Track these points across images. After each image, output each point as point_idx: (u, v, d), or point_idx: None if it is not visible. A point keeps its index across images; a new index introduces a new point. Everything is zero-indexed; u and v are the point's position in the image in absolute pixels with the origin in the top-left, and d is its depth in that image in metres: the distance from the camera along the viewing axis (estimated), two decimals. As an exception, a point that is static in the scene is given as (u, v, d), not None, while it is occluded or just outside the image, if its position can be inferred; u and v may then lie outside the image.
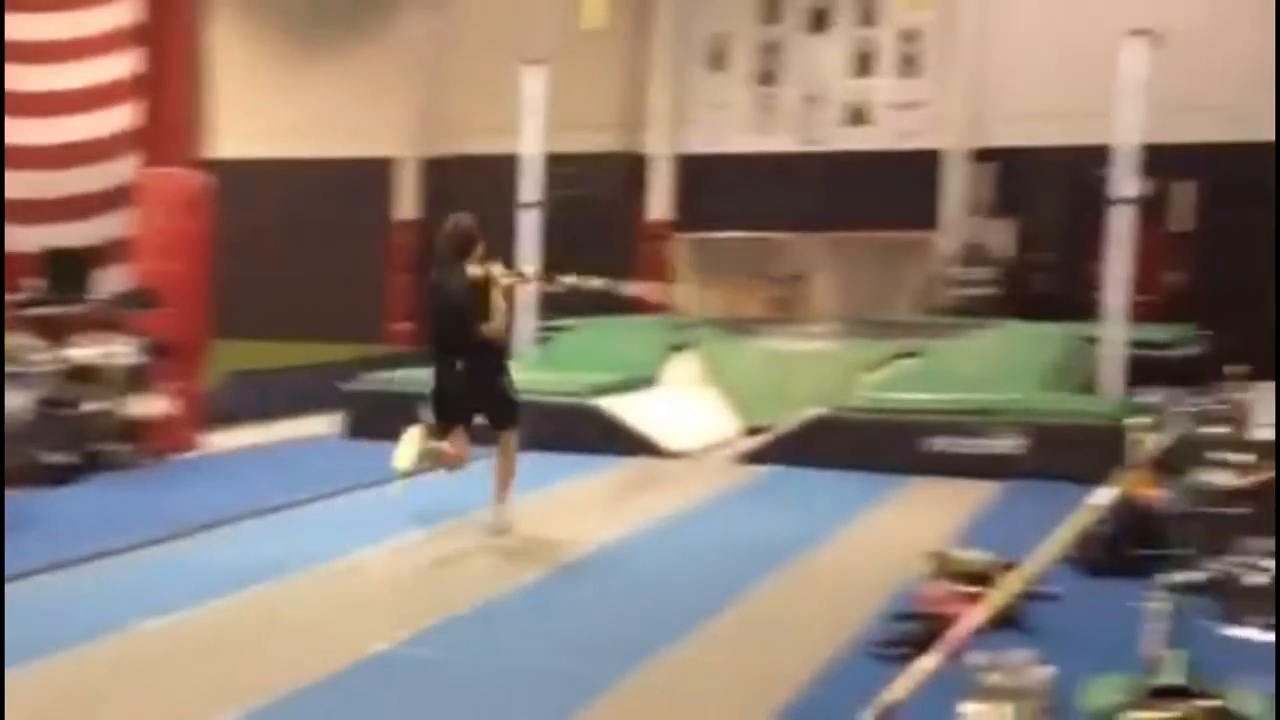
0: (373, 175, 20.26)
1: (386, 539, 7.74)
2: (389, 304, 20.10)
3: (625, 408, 11.31)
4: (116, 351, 9.90)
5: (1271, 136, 16.26)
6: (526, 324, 14.77)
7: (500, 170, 16.70)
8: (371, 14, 20.39)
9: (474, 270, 7.66)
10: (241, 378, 13.03)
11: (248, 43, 20.61)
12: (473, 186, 19.61)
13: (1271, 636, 5.74)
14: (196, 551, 7.39)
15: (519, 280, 8.51)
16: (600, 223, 19.20)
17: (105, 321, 10.04)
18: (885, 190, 17.85)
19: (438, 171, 20.32)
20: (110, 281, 10.22)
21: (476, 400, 7.83)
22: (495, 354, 7.81)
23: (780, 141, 18.93)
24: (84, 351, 9.79)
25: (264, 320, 17.90)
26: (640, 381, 12.33)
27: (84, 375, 9.72)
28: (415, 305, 20.16)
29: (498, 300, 7.60)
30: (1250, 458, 7.00)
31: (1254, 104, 16.43)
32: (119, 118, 10.41)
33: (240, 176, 19.09)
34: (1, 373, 9.15)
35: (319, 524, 8.32)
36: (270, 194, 19.80)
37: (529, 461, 10.65)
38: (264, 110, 20.38)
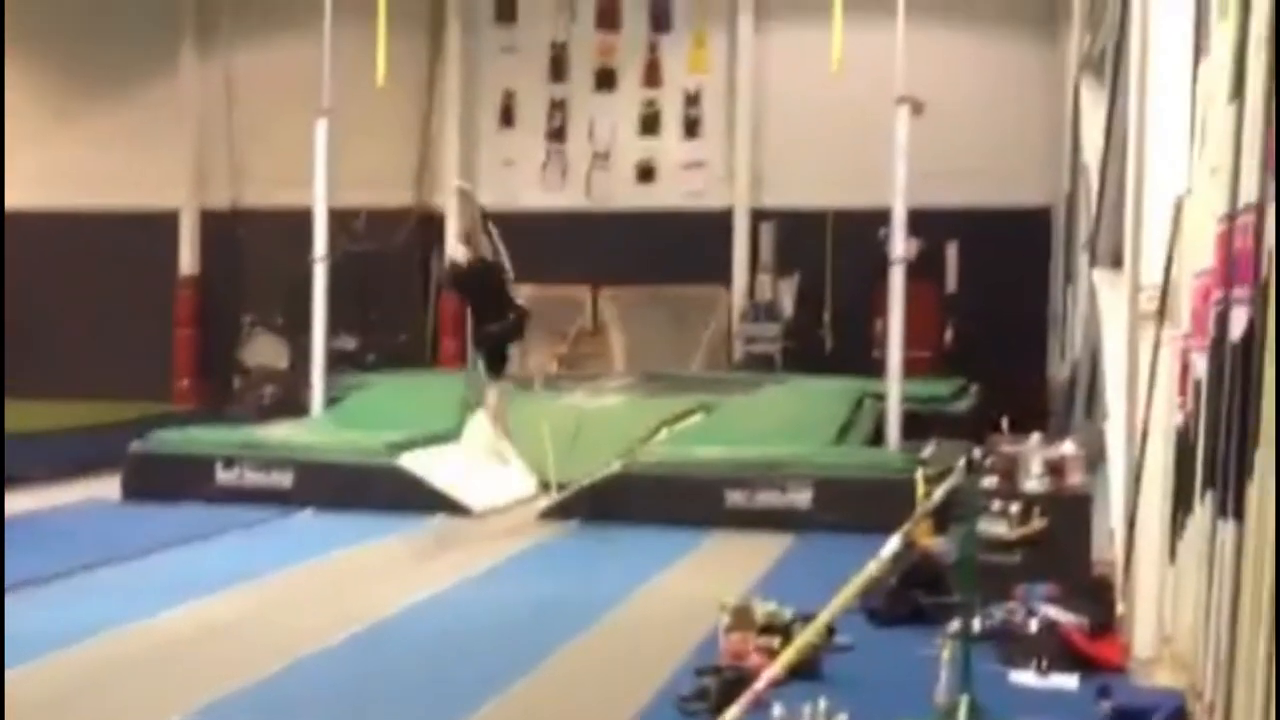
0: (155, 227, 19.63)
1: (166, 608, 7.50)
2: (174, 360, 19.46)
3: (425, 465, 11.25)
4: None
5: (1028, 200, 17.44)
6: (317, 383, 14.58)
7: (288, 223, 16.46)
8: (152, 63, 19.84)
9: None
10: (14, 440, 12.43)
11: (20, 91, 19.76)
12: (261, 239, 19.27)
13: (1048, 681, 6.13)
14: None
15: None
16: (393, 276, 19.09)
17: None
18: (676, 247, 18.28)
19: (224, 224, 19.85)
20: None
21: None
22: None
23: (571, 197, 19.20)
24: None
25: (40, 379, 17.13)
26: (437, 438, 12.27)
27: None
28: (199, 361, 19.64)
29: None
30: (1021, 508, 7.47)
31: (1011, 170, 17.56)
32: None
33: (13, 228, 18.33)
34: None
35: (96, 593, 8.02)
36: (47, 246, 19.01)
37: (327, 523, 10.58)
38: (37, 160, 19.56)
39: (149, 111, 19.80)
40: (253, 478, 11.44)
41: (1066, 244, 15.68)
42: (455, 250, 11.55)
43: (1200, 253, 5.79)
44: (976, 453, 8.15)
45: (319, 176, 14.50)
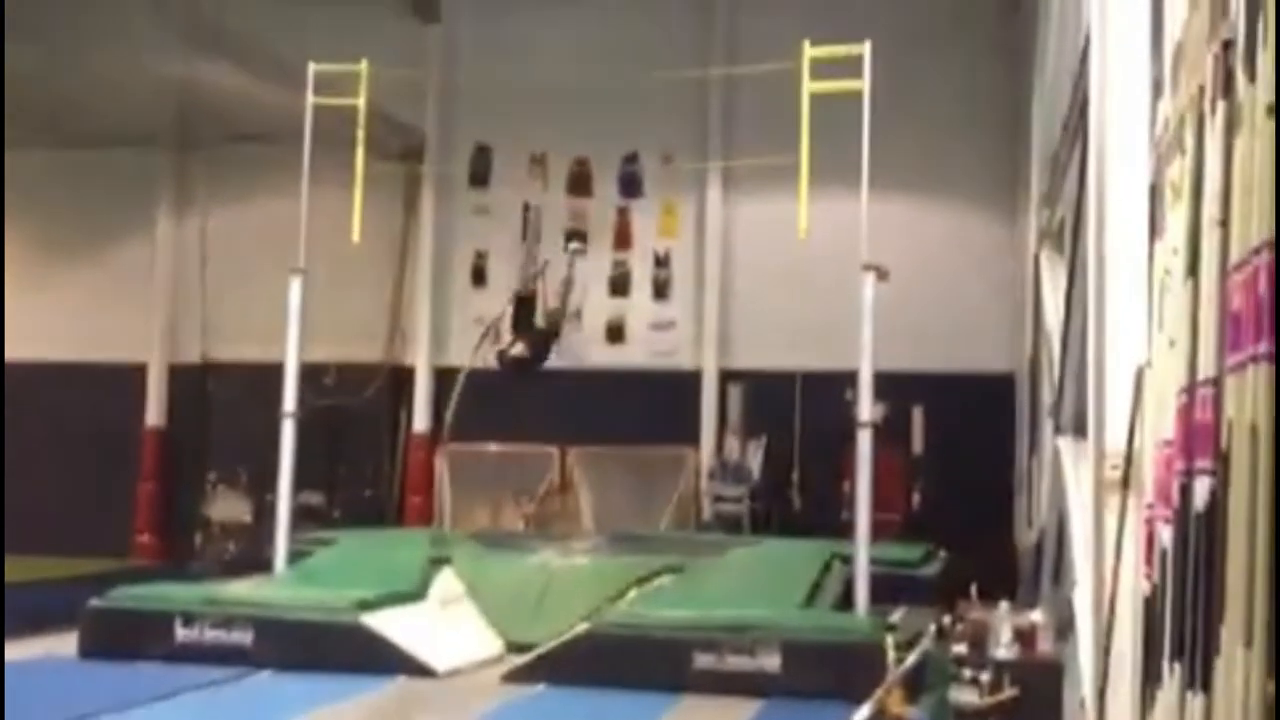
0: (122, 380, 19.63)
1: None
2: (135, 513, 19.25)
3: (390, 625, 11.10)
4: None
5: (991, 366, 17.74)
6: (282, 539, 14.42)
7: (257, 377, 16.50)
8: (128, 224, 20.11)
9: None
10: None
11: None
12: (229, 393, 19.28)
13: None
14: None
15: None
16: (361, 432, 19.11)
17: None
18: (645, 407, 18.44)
19: (192, 377, 19.88)
20: None
21: None
22: None
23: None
24: None
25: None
26: (402, 597, 12.13)
27: None
28: (162, 515, 19.42)
29: None
30: (992, 676, 7.45)
31: (975, 337, 17.92)
32: None
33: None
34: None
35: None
36: (9, 398, 18.93)
37: (287, 683, 10.36)
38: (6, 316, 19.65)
39: (122, 270, 20.03)
40: (213, 635, 11.22)
41: (1031, 409, 15.90)
42: (514, 348, 11.87)
43: (1162, 422, 5.88)
44: (946, 619, 8.18)
45: (291, 335, 14.54)
